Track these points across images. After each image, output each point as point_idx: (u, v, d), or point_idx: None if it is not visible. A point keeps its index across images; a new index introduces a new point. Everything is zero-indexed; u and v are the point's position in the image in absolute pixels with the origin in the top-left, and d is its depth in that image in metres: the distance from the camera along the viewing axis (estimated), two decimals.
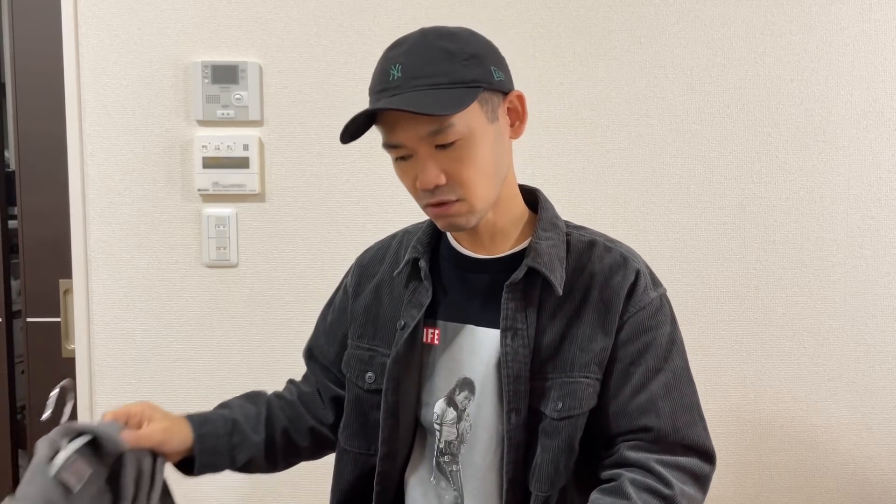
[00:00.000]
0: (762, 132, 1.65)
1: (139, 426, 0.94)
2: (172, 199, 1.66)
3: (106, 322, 1.68)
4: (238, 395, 1.12)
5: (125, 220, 1.66)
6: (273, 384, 1.19)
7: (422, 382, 1.00)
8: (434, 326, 1.00)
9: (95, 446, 0.87)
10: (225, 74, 1.62)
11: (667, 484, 0.89)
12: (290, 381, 1.18)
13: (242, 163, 1.64)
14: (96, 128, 1.65)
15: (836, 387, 1.69)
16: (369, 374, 1.02)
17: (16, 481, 1.81)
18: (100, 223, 1.66)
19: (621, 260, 0.98)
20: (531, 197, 1.03)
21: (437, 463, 1.00)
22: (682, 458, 0.92)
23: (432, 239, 1.03)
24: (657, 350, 0.95)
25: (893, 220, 1.66)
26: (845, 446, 1.71)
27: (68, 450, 0.84)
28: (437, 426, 0.99)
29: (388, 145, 0.90)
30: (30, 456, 1.80)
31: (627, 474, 0.90)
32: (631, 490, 0.88)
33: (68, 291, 1.72)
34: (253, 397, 1.12)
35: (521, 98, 0.95)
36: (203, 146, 1.63)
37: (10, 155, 1.84)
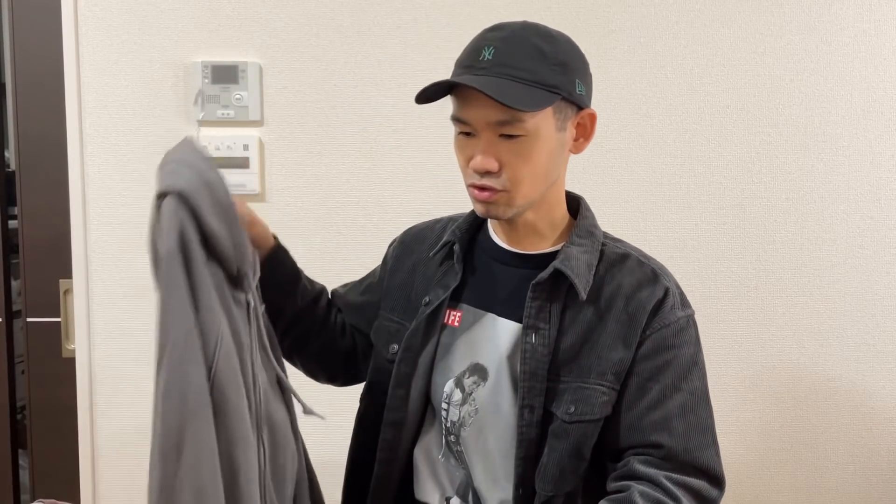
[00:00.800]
0: (762, 132, 1.65)
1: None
2: None
3: (106, 322, 1.68)
4: None
5: (125, 220, 1.66)
6: None
7: (436, 361, 1.03)
8: (457, 309, 1.03)
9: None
10: (225, 74, 1.62)
11: (676, 500, 0.89)
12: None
13: (242, 163, 1.64)
14: (96, 128, 1.65)
15: (836, 387, 1.69)
16: (393, 345, 1.05)
17: (16, 481, 1.81)
18: (100, 223, 1.66)
19: (652, 276, 0.99)
20: (574, 203, 1.05)
21: (447, 442, 1.02)
22: (691, 478, 0.92)
23: (472, 227, 1.06)
24: (677, 369, 0.95)
25: (893, 219, 1.66)
26: (845, 446, 1.71)
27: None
28: (444, 405, 1.01)
29: (457, 119, 0.93)
30: (30, 456, 1.80)
31: (637, 486, 0.90)
32: (640, 502, 0.88)
33: (68, 291, 1.72)
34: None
35: (593, 117, 0.97)
36: (203, 146, 1.62)
37: (10, 155, 1.84)
